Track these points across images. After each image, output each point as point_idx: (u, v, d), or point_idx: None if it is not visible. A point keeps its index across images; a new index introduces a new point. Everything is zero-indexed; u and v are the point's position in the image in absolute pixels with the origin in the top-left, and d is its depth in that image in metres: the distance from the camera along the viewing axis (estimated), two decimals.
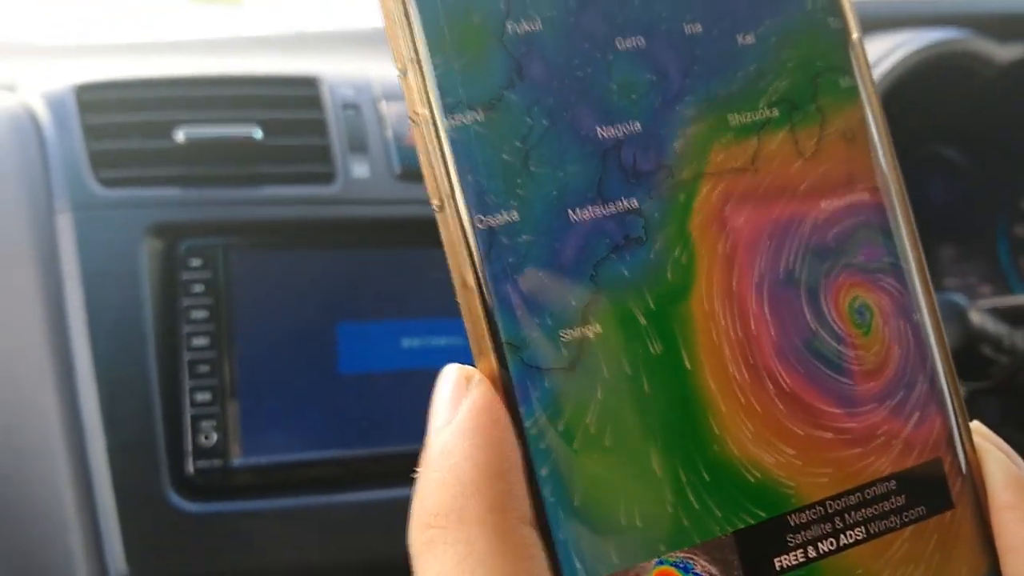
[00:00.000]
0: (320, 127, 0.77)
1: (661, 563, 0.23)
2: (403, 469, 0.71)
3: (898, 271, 0.26)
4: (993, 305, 0.82)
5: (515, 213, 0.23)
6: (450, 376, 0.24)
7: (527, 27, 0.23)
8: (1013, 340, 0.72)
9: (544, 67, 0.23)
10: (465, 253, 0.23)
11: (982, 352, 0.70)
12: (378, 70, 0.82)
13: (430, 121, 0.23)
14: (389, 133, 0.78)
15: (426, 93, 0.23)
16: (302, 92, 0.78)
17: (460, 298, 0.23)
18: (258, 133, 0.74)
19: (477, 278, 0.23)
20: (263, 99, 0.77)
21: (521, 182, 0.23)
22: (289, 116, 0.77)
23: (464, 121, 0.23)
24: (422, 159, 0.23)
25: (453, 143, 0.23)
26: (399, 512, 0.72)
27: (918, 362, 0.26)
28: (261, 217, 0.73)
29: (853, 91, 0.26)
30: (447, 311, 0.73)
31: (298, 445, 0.69)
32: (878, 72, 0.88)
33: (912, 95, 0.90)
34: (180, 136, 0.73)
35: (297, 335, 0.71)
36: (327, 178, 0.75)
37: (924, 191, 1.10)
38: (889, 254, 0.26)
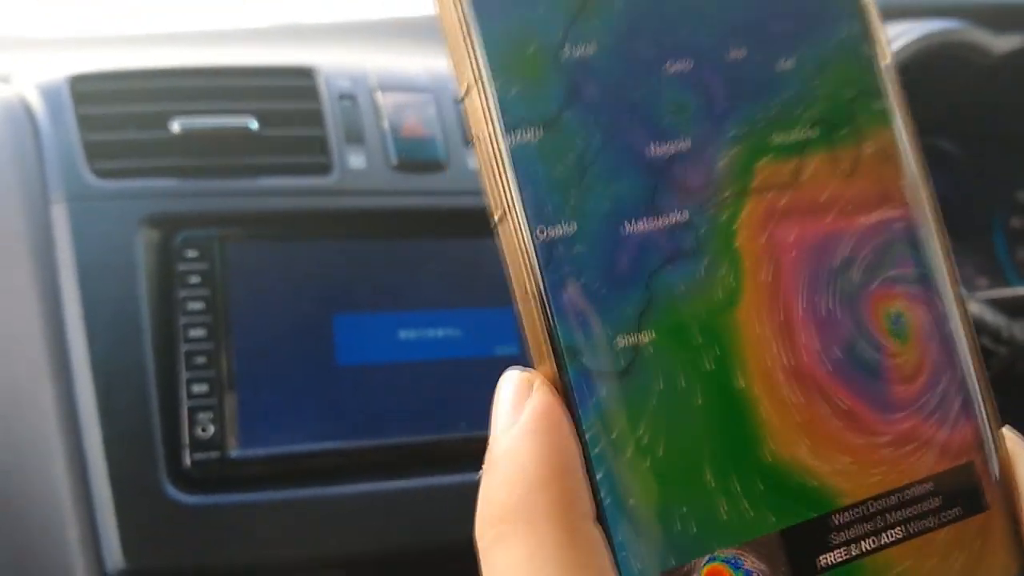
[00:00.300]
0: (316, 118, 0.76)
1: (712, 560, 0.24)
2: (402, 460, 0.70)
3: (931, 283, 0.27)
4: (991, 296, 0.82)
5: (573, 225, 0.24)
6: (512, 380, 0.25)
7: (583, 51, 0.25)
8: (1011, 331, 0.72)
9: (599, 88, 0.25)
10: (526, 263, 0.24)
11: (981, 343, 0.70)
12: (374, 61, 0.82)
13: (493, 139, 0.24)
14: (386, 124, 0.77)
15: (489, 113, 0.24)
16: (298, 83, 0.78)
17: (520, 306, 0.24)
18: (254, 124, 0.74)
19: (537, 287, 0.24)
20: (259, 90, 0.77)
21: (578, 196, 0.24)
22: (285, 107, 0.76)
23: (525, 139, 0.24)
24: (484, 175, 0.24)
25: (514, 160, 0.24)
26: (398, 503, 0.72)
27: (952, 369, 0.27)
28: (257, 208, 0.73)
29: (886, 114, 0.27)
30: (444, 303, 0.73)
31: (296, 437, 0.69)
32: None
33: (909, 86, 0.90)
34: (176, 127, 0.72)
35: (294, 326, 0.71)
36: (323, 169, 0.75)
37: None
38: (923, 267, 0.27)
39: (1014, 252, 1.12)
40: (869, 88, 0.27)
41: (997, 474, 0.27)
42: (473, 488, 0.71)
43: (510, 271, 0.24)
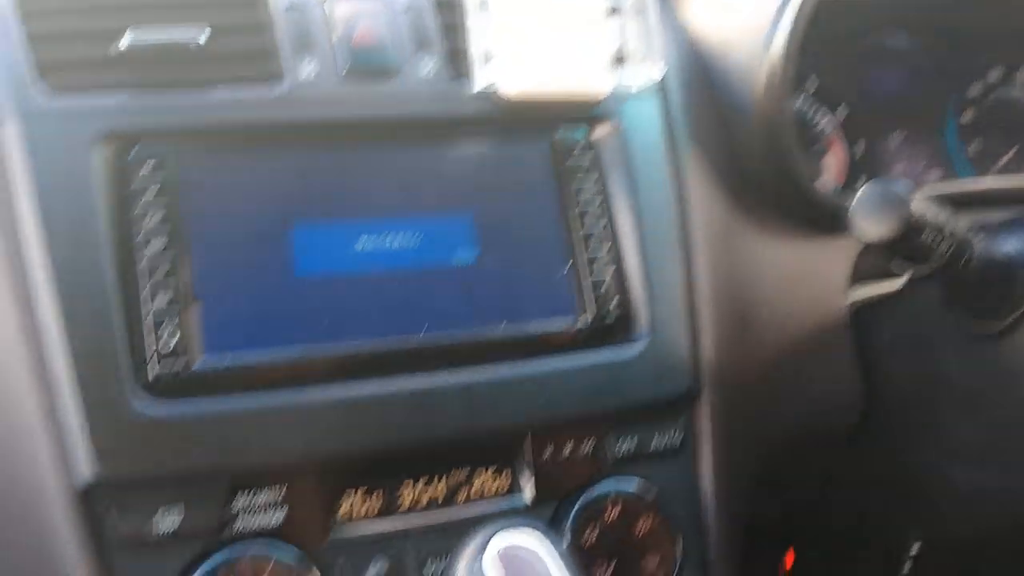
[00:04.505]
0: (265, 28, 0.76)
1: None
2: (364, 364, 0.72)
3: None
4: (934, 192, 0.84)
5: None
6: None
7: None
8: (953, 226, 0.74)
9: None
10: None
11: (923, 239, 0.72)
12: None
13: None
14: (335, 32, 0.77)
15: None
16: None
17: None
18: (203, 36, 0.74)
19: None
20: (207, 2, 0.76)
21: None
22: (234, 19, 0.76)
23: None
24: None
25: None
26: (362, 406, 0.73)
27: None
28: (210, 120, 0.73)
29: None
30: (400, 211, 0.74)
31: (260, 343, 0.70)
32: None
33: None
34: (126, 41, 0.72)
35: (252, 237, 0.72)
36: (273, 78, 0.75)
37: (872, 80, 1.11)
38: None
39: (965, 145, 1.13)
40: None
41: None
42: (433, 393, 0.71)
43: None
